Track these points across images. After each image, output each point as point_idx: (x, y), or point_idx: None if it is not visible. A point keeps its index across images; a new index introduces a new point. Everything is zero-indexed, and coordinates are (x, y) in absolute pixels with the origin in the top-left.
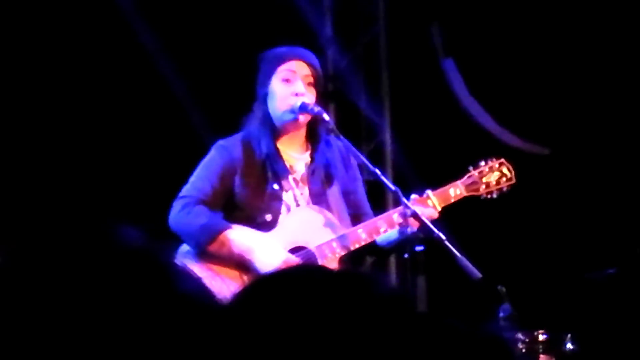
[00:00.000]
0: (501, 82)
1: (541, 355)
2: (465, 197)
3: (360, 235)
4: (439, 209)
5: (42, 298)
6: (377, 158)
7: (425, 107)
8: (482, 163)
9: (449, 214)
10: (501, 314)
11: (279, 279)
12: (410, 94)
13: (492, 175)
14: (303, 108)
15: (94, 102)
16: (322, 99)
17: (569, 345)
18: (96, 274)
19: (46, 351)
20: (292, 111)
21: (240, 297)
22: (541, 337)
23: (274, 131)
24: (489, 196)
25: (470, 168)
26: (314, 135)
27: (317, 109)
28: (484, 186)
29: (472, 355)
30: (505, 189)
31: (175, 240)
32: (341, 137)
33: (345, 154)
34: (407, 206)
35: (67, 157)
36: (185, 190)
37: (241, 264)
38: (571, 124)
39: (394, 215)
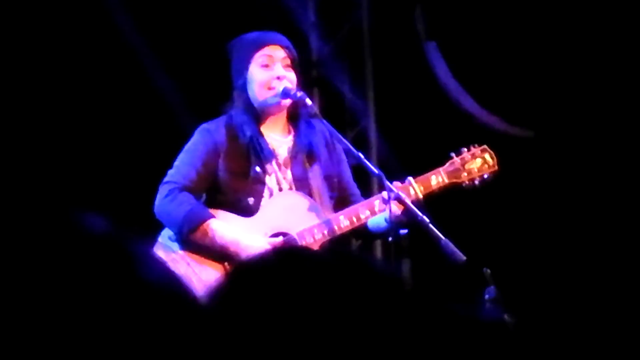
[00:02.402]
0: (484, 65)
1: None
2: (447, 186)
3: (342, 222)
4: (421, 196)
5: (7, 285)
6: (360, 144)
7: (408, 93)
8: (465, 150)
9: (434, 198)
10: (487, 297)
11: (262, 265)
12: (393, 80)
13: (475, 162)
14: (286, 93)
15: (67, 88)
16: (304, 81)
17: None
18: (58, 261)
19: (6, 341)
20: (276, 95)
21: (223, 285)
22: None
23: (257, 116)
24: (471, 184)
25: (453, 155)
26: (294, 118)
27: (299, 93)
28: (465, 173)
29: (470, 338)
30: (487, 177)
31: (149, 227)
32: (324, 121)
33: (328, 137)
34: (390, 189)
35: (37, 146)
36: (170, 175)
37: (224, 255)
38: (555, 107)
39: (376, 201)
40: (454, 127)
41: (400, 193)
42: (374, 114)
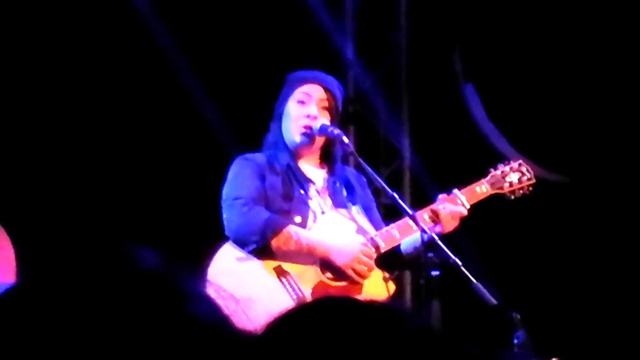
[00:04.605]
0: (520, 108)
1: None
2: (490, 196)
3: (395, 234)
4: (468, 206)
5: (57, 319)
6: (395, 182)
7: (444, 132)
8: (502, 164)
9: (465, 238)
10: (516, 341)
11: (308, 313)
12: (430, 118)
13: (513, 174)
14: (323, 129)
15: (119, 120)
16: (340, 124)
17: None
18: (111, 295)
19: None
20: (305, 134)
21: (269, 329)
22: None
23: (290, 150)
24: (512, 196)
25: (491, 169)
26: (328, 157)
27: (336, 131)
28: (507, 184)
29: None
30: (527, 189)
31: (194, 262)
32: (360, 159)
33: (357, 177)
34: (424, 231)
35: (87, 175)
36: (237, 192)
37: (313, 258)
38: (591, 153)
39: (424, 214)
40: (489, 164)
41: (447, 206)
42: (409, 151)
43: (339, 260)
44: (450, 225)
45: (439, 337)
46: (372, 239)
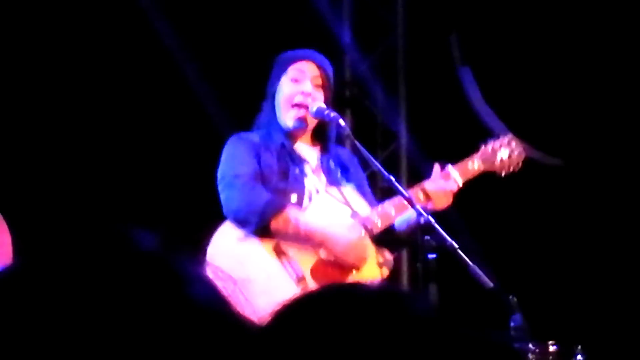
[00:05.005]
0: (517, 91)
1: None
2: (482, 173)
3: (390, 212)
4: (460, 184)
5: (52, 302)
6: (392, 164)
7: (441, 115)
8: (492, 140)
9: (462, 222)
10: (512, 324)
11: (315, 300)
12: (427, 101)
13: (504, 150)
14: (319, 112)
15: (112, 102)
16: (333, 102)
17: (580, 357)
18: (108, 278)
19: (51, 356)
20: (299, 119)
21: (275, 319)
22: (552, 349)
23: (283, 130)
24: (503, 172)
25: (482, 144)
26: (321, 137)
27: (333, 114)
28: (498, 160)
29: None
30: (517, 164)
31: (192, 244)
32: (357, 142)
33: (349, 157)
34: (420, 214)
35: (83, 159)
36: (235, 170)
37: (311, 241)
38: (587, 136)
39: (419, 192)
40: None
41: (439, 183)
42: (406, 134)
43: (335, 249)
44: (442, 201)
45: (446, 321)
46: (367, 217)
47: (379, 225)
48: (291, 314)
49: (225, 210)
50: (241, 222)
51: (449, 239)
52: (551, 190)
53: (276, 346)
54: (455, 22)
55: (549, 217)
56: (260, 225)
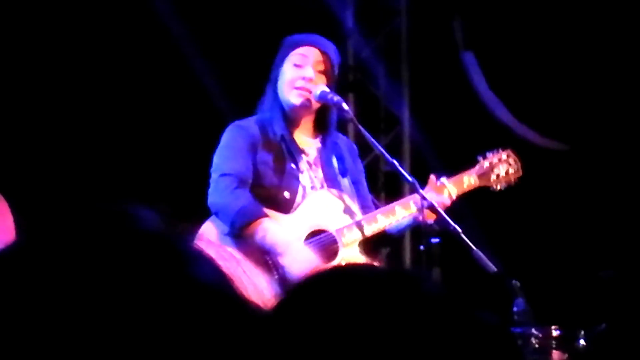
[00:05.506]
0: (520, 76)
1: (554, 351)
2: (478, 188)
3: (379, 220)
4: (454, 197)
5: (55, 280)
6: (395, 149)
7: (444, 99)
8: (491, 154)
9: (466, 207)
10: (515, 309)
11: (324, 281)
12: (430, 86)
13: (501, 166)
14: (322, 96)
15: (112, 82)
16: (336, 88)
17: (582, 342)
18: (111, 256)
19: (54, 339)
20: (301, 96)
21: (285, 298)
22: (554, 333)
23: (285, 115)
24: (498, 187)
25: (480, 158)
26: (323, 122)
27: (336, 98)
28: (494, 176)
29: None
30: (513, 181)
31: (194, 221)
32: (360, 127)
33: (349, 147)
34: (424, 198)
35: (85, 139)
36: (227, 168)
37: (270, 255)
38: (590, 121)
39: (411, 201)
40: (488, 132)
41: (434, 202)
42: (409, 118)
43: (291, 268)
44: (431, 215)
45: (456, 300)
46: (357, 222)
47: (366, 233)
48: (301, 294)
49: (208, 201)
50: (219, 219)
51: (452, 223)
52: (554, 174)
53: (285, 326)
54: (458, 6)
55: (552, 201)
56: (231, 231)
